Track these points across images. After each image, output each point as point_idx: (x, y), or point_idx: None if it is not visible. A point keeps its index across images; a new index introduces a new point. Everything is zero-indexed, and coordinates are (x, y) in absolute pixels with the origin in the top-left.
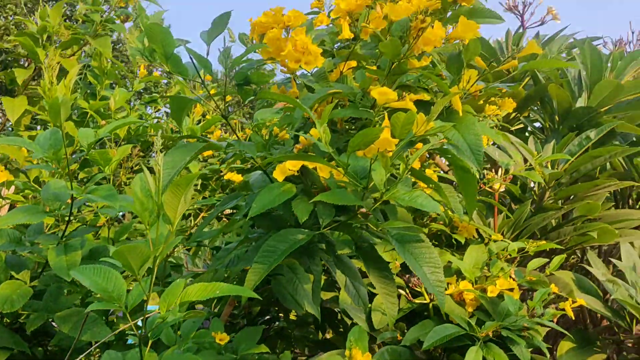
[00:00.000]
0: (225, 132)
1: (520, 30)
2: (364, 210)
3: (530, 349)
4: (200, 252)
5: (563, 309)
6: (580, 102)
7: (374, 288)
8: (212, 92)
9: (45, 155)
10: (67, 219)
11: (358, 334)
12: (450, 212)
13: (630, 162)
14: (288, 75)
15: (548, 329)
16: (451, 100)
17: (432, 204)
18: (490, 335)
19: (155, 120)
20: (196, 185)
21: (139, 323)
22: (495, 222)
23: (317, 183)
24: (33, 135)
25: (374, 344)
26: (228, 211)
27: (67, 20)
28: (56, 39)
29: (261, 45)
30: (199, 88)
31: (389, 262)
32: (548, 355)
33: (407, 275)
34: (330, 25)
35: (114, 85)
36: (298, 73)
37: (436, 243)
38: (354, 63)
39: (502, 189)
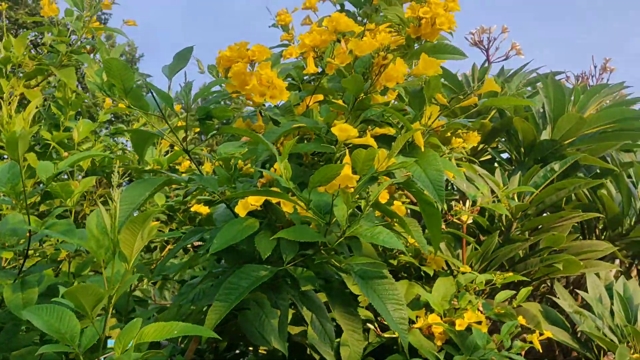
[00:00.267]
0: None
1: (486, 65)
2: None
3: None
4: (168, 284)
5: (531, 342)
6: (545, 135)
7: None
8: (179, 123)
9: (3, 189)
10: (25, 253)
11: None
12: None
13: (594, 193)
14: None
15: None
16: (414, 136)
17: (394, 241)
18: None
19: (122, 151)
20: (158, 218)
21: None
22: (464, 253)
23: (280, 218)
24: None
25: None
26: (197, 242)
27: (37, 46)
28: (20, 69)
29: (223, 81)
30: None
31: (357, 295)
32: None
33: None
34: (300, 57)
35: (80, 115)
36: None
37: (405, 275)
38: (320, 96)
39: (470, 221)
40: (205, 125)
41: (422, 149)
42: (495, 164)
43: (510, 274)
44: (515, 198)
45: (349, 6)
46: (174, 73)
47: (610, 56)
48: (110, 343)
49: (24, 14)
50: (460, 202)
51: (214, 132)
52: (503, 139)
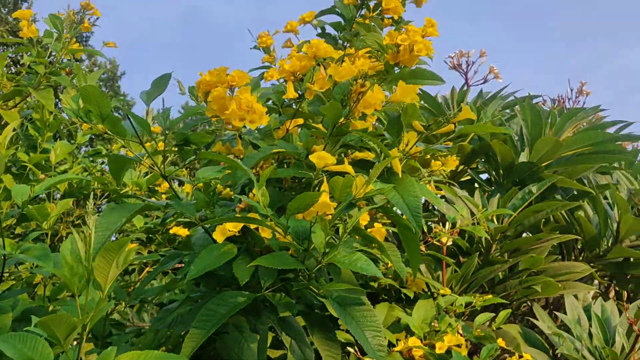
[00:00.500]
0: (175, 183)
1: (465, 88)
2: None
3: None
4: (147, 305)
5: None
6: (523, 157)
7: None
8: (160, 145)
9: None
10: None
11: None
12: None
13: (572, 215)
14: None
15: None
16: (392, 162)
17: (372, 268)
18: None
19: (100, 173)
20: (138, 237)
21: None
22: (444, 275)
23: (259, 243)
24: None
25: None
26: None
27: (17, 63)
28: None
29: (200, 108)
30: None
31: (337, 318)
32: None
33: None
34: (282, 80)
35: (58, 136)
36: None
37: (385, 297)
38: (300, 120)
39: (450, 243)
40: (183, 151)
41: (400, 175)
42: (475, 185)
43: (490, 296)
44: (495, 220)
45: (329, 29)
46: (151, 99)
47: (585, 78)
48: None
49: (4, 31)
50: (440, 223)
51: (192, 157)
52: (482, 160)
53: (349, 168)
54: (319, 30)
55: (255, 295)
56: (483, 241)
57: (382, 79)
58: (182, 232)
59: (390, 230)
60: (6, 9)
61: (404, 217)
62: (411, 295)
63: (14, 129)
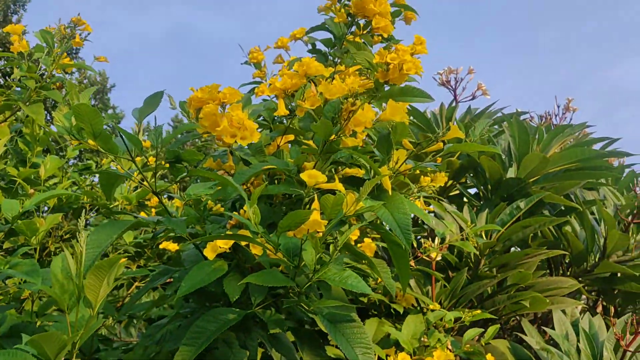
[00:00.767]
0: (165, 197)
1: (454, 104)
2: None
3: None
4: (135, 321)
5: None
6: (511, 173)
7: None
8: (151, 160)
9: None
10: None
11: None
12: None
13: (559, 230)
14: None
15: None
16: (382, 180)
17: (362, 285)
18: None
19: (90, 187)
20: (126, 250)
21: None
22: (433, 290)
23: (249, 259)
24: None
25: None
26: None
27: (6, 75)
28: None
29: (193, 126)
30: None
31: (327, 334)
32: None
33: None
34: (272, 96)
35: (48, 151)
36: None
37: (375, 312)
38: (291, 136)
39: (439, 258)
40: (175, 168)
41: (390, 192)
42: (464, 199)
43: (479, 311)
44: (483, 235)
45: (320, 45)
46: (144, 116)
47: (572, 94)
48: None
49: None
50: (430, 238)
51: (184, 174)
52: (471, 174)
53: (339, 186)
54: (310, 47)
55: (246, 312)
56: (472, 256)
57: (372, 96)
58: (172, 246)
59: (380, 245)
60: None
61: (394, 233)
62: (401, 311)
63: (4, 144)
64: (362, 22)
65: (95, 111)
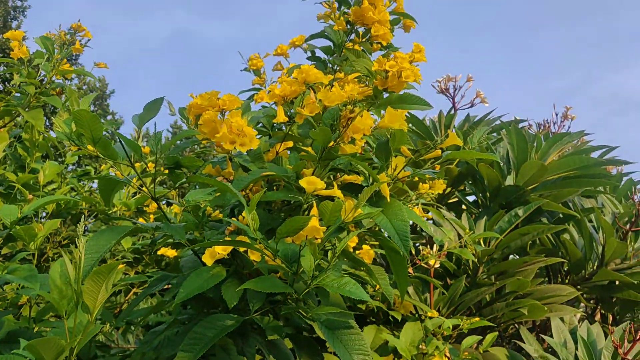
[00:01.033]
0: (164, 203)
1: (452, 112)
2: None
3: None
4: (133, 327)
5: None
6: (509, 181)
7: None
8: (150, 166)
9: None
10: None
11: None
12: None
13: (558, 238)
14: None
15: None
16: (380, 187)
17: (360, 292)
18: None
19: (89, 193)
20: (124, 256)
21: None
22: (432, 297)
23: (248, 265)
24: None
25: None
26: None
27: (6, 81)
28: None
29: (192, 132)
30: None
31: (325, 341)
32: None
33: None
34: (272, 104)
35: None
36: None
37: (373, 319)
38: (290, 143)
39: (438, 265)
40: (174, 175)
41: (388, 199)
42: (463, 206)
43: (477, 319)
44: (482, 242)
45: (319, 53)
46: (143, 123)
47: (570, 103)
48: None
49: None
50: (428, 245)
51: (183, 180)
52: (470, 182)
53: (338, 192)
54: (309, 54)
55: (244, 318)
56: (470, 264)
57: (371, 104)
58: (170, 253)
59: (379, 252)
60: None
61: (392, 240)
62: (399, 318)
63: (3, 150)
64: (361, 29)
65: (95, 117)
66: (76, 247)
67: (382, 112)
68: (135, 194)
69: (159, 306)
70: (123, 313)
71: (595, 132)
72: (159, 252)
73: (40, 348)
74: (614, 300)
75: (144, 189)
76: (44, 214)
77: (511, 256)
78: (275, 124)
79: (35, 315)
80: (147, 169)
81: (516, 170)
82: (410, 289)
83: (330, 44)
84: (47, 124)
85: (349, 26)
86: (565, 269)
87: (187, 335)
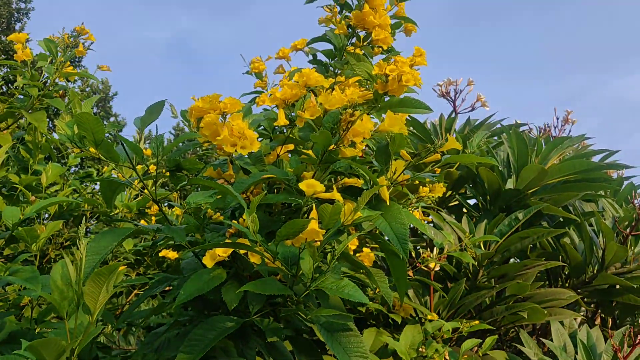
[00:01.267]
0: (165, 205)
1: (453, 115)
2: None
3: None
4: (134, 328)
5: None
6: (510, 184)
7: None
8: (152, 168)
9: None
10: None
11: None
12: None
13: (558, 242)
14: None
15: None
16: (379, 190)
17: (359, 294)
18: None
19: (91, 194)
20: (126, 258)
21: None
22: (432, 300)
23: (248, 267)
24: None
25: None
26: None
27: (9, 83)
28: None
29: (194, 135)
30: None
31: (325, 343)
32: None
33: None
34: (273, 107)
35: (49, 158)
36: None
37: (373, 322)
38: (291, 146)
39: (438, 268)
40: (175, 177)
41: (388, 202)
42: (464, 209)
43: (477, 322)
44: (482, 246)
45: (321, 56)
46: (145, 125)
47: (571, 108)
48: None
49: None
50: (428, 248)
51: (184, 183)
52: (470, 185)
53: (337, 196)
54: (311, 57)
55: (244, 320)
56: (470, 267)
57: (372, 107)
58: (172, 254)
59: (379, 255)
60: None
61: (392, 243)
62: (399, 321)
63: (6, 151)
64: (362, 33)
65: (97, 120)
66: (78, 248)
67: (383, 115)
68: (137, 196)
69: (160, 308)
70: (124, 314)
71: (598, 136)
72: (160, 254)
73: (42, 349)
74: (614, 304)
75: (145, 191)
76: (47, 216)
77: (511, 260)
78: (276, 127)
79: (37, 317)
80: (149, 171)
81: (516, 174)
82: (411, 292)
83: (332, 47)
84: (50, 126)
85: (350, 30)
86: (566, 273)
87: (188, 336)
